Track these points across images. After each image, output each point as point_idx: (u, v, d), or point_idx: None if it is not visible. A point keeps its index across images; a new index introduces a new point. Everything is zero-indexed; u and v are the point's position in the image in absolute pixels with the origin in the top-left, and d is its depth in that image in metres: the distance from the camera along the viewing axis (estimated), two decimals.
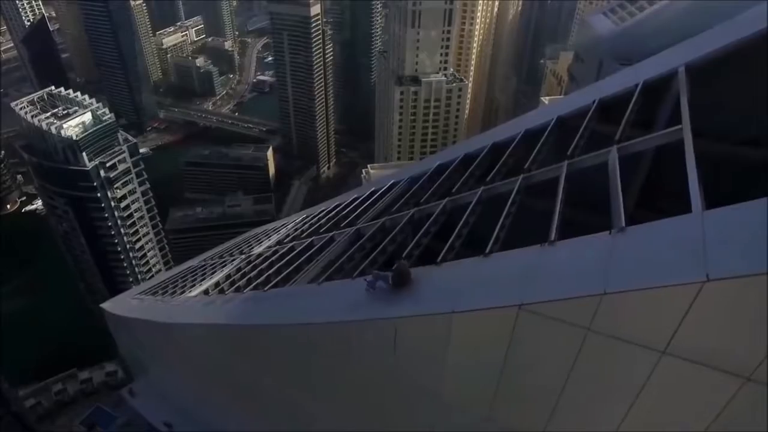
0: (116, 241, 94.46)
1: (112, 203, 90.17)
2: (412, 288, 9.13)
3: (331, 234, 14.51)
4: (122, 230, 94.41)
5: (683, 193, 7.69)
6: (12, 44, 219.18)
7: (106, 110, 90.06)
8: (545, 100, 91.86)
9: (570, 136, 11.74)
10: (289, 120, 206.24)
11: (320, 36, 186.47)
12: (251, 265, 16.82)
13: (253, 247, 20.35)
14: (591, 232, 8.40)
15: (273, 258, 16.03)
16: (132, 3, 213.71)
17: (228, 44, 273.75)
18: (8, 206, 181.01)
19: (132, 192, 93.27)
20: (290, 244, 16.33)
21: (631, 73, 12.51)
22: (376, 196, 16.05)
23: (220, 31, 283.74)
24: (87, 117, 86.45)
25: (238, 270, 17.52)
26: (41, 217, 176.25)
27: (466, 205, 10.98)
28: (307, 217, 20.07)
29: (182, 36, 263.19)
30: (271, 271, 14.55)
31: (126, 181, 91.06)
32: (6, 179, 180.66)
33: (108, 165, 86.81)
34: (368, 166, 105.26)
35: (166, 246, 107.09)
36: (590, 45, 51.72)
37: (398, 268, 9.11)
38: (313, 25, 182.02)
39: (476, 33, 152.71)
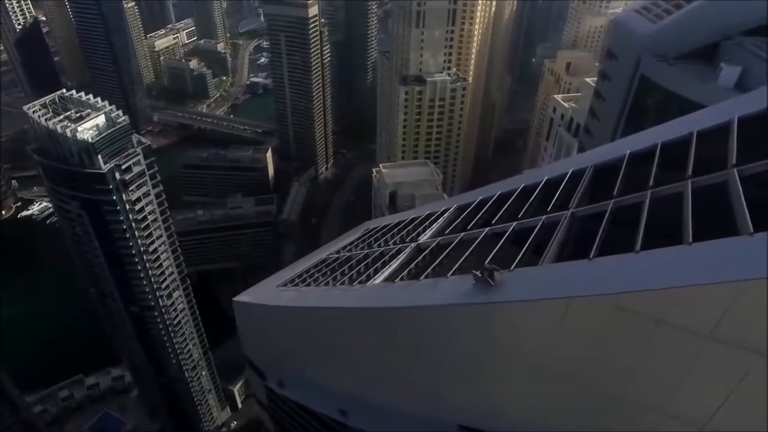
0: (131, 243, 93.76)
1: (127, 206, 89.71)
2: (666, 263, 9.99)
3: (530, 220, 15.20)
4: (136, 233, 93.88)
5: None
6: (2, 47, 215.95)
7: (120, 113, 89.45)
8: (558, 98, 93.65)
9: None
10: (286, 121, 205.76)
11: (318, 37, 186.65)
12: (443, 252, 17.24)
13: (415, 239, 20.58)
14: None
15: (473, 246, 16.53)
16: (124, 5, 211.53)
17: (220, 46, 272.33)
18: (3, 212, 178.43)
19: (146, 194, 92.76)
20: (478, 231, 16.86)
21: None
22: (539, 189, 16.74)
23: (211, 33, 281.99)
24: (101, 119, 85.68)
25: (425, 258, 18.10)
26: (38, 222, 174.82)
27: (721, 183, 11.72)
28: (459, 208, 20.37)
29: (174, 38, 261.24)
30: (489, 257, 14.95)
31: (140, 183, 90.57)
32: (1, 184, 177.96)
33: (123, 167, 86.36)
34: (380, 165, 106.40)
35: (179, 248, 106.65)
36: (626, 42, 53.27)
37: None
38: (311, 26, 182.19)
39: (475, 33, 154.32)
